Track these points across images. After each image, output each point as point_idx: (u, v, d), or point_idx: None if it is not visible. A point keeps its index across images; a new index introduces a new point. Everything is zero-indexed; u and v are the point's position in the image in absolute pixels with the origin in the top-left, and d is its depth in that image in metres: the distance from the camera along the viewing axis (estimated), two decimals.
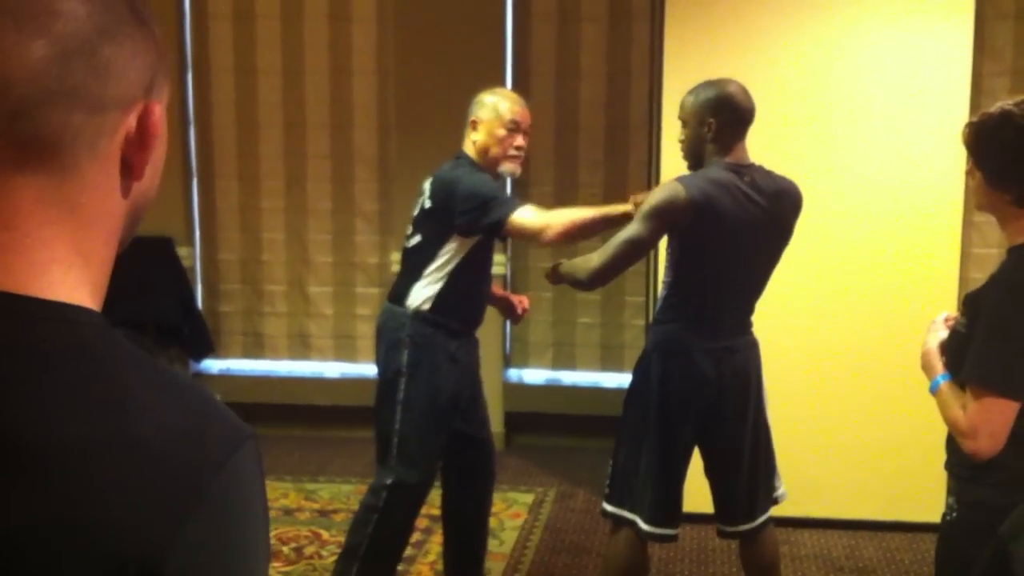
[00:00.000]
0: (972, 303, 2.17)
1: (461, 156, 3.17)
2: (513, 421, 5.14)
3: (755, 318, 3.05)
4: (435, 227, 3.10)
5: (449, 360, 3.15)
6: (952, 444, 2.22)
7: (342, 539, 3.31)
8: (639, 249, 2.85)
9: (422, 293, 3.12)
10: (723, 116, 2.83)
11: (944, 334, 2.27)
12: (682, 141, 2.95)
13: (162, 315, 5.06)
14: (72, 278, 0.73)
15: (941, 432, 2.26)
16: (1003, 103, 2.13)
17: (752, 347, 3.01)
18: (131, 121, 0.75)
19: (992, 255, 4.46)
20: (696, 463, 3.06)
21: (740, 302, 2.97)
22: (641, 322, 4.94)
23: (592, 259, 2.86)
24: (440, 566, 3.59)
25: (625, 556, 3.01)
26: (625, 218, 2.96)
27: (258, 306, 5.33)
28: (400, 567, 3.44)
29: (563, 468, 4.84)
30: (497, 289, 3.50)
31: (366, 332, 5.13)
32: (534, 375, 5.26)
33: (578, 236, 3.06)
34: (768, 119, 3.93)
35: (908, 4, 3.93)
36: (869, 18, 3.95)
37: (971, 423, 2.08)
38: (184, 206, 5.23)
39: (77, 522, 0.63)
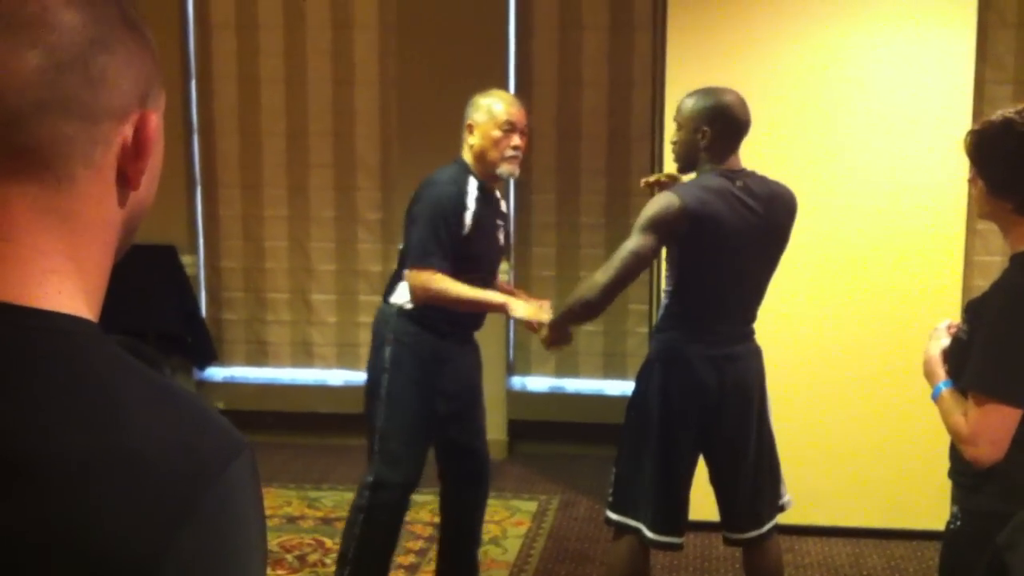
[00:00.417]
0: (974, 310, 2.17)
1: (458, 162, 3.17)
2: (516, 429, 5.13)
3: (759, 326, 3.05)
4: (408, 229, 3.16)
5: (434, 359, 3.14)
6: (955, 452, 2.22)
7: None
8: (640, 261, 2.85)
9: (406, 292, 3.13)
10: (718, 126, 2.85)
11: (946, 341, 2.26)
12: (674, 143, 2.96)
13: (165, 323, 5.06)
14: (68, 288, 0.72)
15: (945, 440, 2.25)
16: (1005, 111, 2.13)
17: (755, 355, 3.01)
18: (127, 130, 0.75)
19: (996, 263, 4.46)
20: (701, 471, 3.06)
21: (740, 309, 2.97)
22: (644, 330, 4.93)
23: (596, 278, 2.86)
24: None
25: (627, 564, 3.01)
26: (500, 310, 3.06)
27: (261, 314, 5.34)
28: (403, 574, 3.44)
29: (566, 476, 4.83)
30: (503, 286, 3.45)
31: (368, 340, 5.09)
32: (537, 383, 5.26)
33: (442, 305, 3.07)
34: (770, 127, 3.93)
35: (910, 12, 3.93)
36: (871, 26, 3.95)
37: (972, 430, 2.07)
38: (187, 214, 5.24)
39: (69, 535, 0.63)
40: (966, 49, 3.92)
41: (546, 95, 5.02)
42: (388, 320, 3.17)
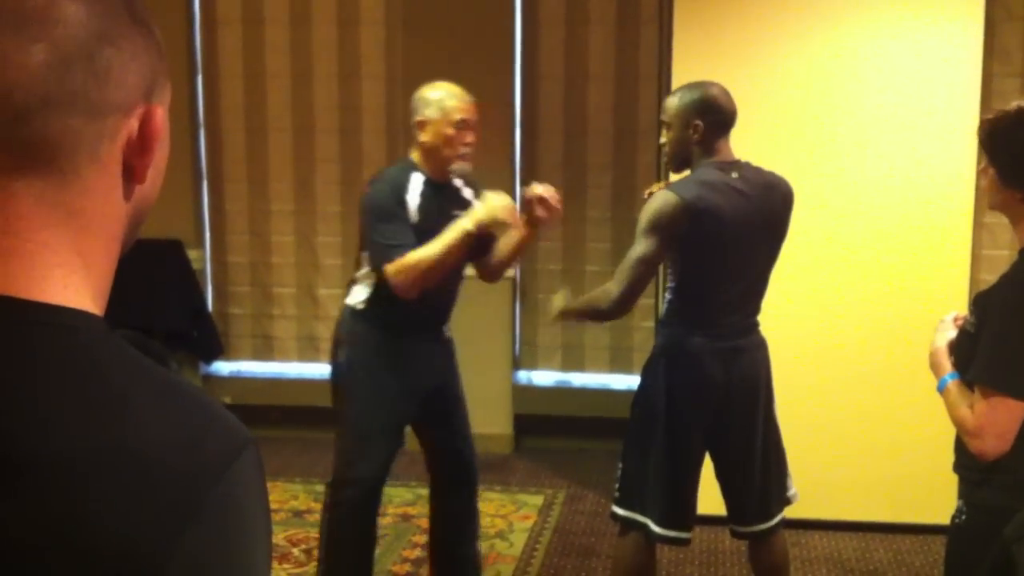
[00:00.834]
0: (981, 303, 2.17)
1: (402, 160, 3.14)
2: (522, 423, 5.14)
3: (766, 320, 3.05)
4: (361, 234, 3.14)
5: (390, 358, 3.13)
6: (960, 446, 2.22)
7: None
8: (650, 266, 2.85)
9: (358, 294, 3.15)
10: (709, 118, 2.85)
11: (953, 334, 2.26)
12: (664, 144, 2.96)
13: (172, 318, 5.07)
14: (74, 283, 0.72)
15: (952, 434, 2.25)
16: (1020, 102, 2.14)
17: (760, 347, 3.01)
18: (132, 125, 0.75)
19: (1003, 257, 4.44)
20: (707, 465, 3.06)
21: (744, 301, 2.97)
22: (650, 324, 4.93)
23: (610, 289, 2.86)
24: None
25: (633, 558, 3.02)
26: (467, 235, 2.90)
27: (267, 308, 5.34)
28: (409, 568, 3.45)
29: (572, 470, 4.83)
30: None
31: None
32: (543, 377, 5.26)
33: (430, 277, 2.94)
34: (776, 122, 3.93)
35: (917, 7, 3.92)
36: (877, 21, 3.94)
37: (978, 423, 2.07)
38: (194, 209, 5.25)
39: (73, 534, 0.62)
40: (973, 43, 3.91)
41: (552, 90, 5.02)
42: (344, 321, 3.20)
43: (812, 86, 3.98)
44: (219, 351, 5.28)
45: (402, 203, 3.00)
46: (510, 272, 4.96)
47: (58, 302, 0.70)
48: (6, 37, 0.69)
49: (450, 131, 3.02)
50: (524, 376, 5.24)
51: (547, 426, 5.15)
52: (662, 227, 2.78)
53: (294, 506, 4.34)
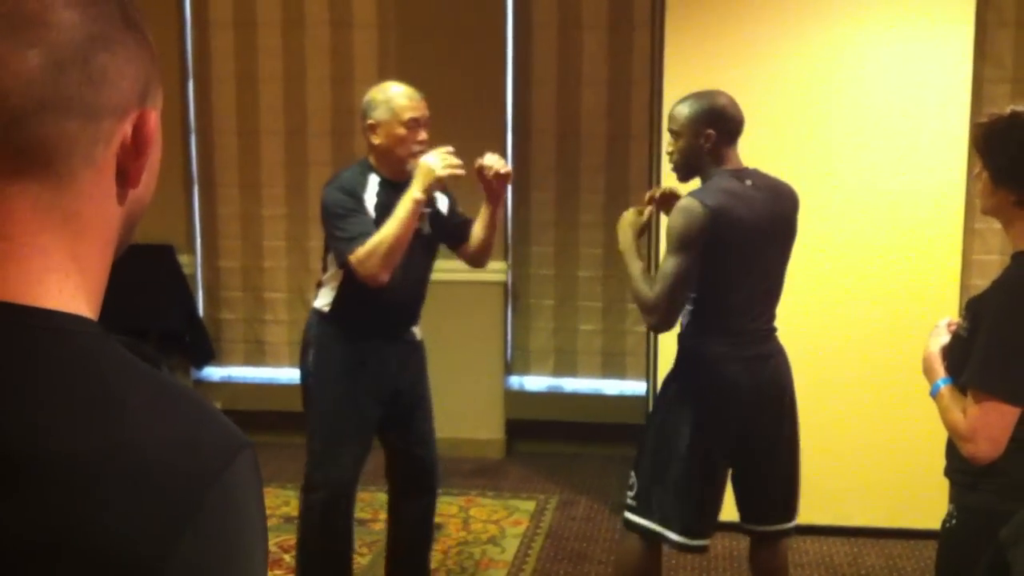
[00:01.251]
0: (974, 308, 2.17)
1: (361, 163, 3.14)
2: (514, 428, 5.14)
3: None
4: (325, 237, 3.14)
5: (354, 360, 3.13)
6: (952, 450, 2.22)
7: None
8: (689, 279, 2.80)
9: (323, 297, 3.16)
10: (720, 126, 2.85)
11: (946, 338, 2.27)
12: (672, 153, 2.94)
13: (163, 323, 5.06)
14: (69, 287, 0.72)
15: (943, 438, 2.25)
16: (1014, 106, 2.17)
17: (781, 354, 3.02)
18: (126, 128, 0.75)
19: (993, 261, 4.46)
20: None
21: (764, 308, 2.97)
22: (643, 329, 4.93)
23: (647, 294, 2.80)
24: None
25: (639, 562, 3.02)
26: (416, 204, 2.91)
27: (259, 313, 5.33)
28: None
29: (564, 475, 4.83)
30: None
31: None
32: (535, 382, 5.26)
33: (393, 256, 2.92)
34: (769, 126, 3.93)
35: (909, 11, 3.93)
36: (870, 26, 3.95)
37: (971, 427, 2.08)
38: (185, 213, 5.24)
39: (71, 536, 0.62)
40: (965, 48, 3.92)
41: (545, 94, 5.02)
42: (311, 325, 3.20)
43: (803, 91, 3.99)
44: (211, 356, 5.26)
45: (359, 200, 3.02)
46: (501, 276, 4.98)
47: (53, 306, 0.70)
48: (1, 42, 0.69)
49: (401, 131, 3.03)
50: (516, 381, 5.24)
51: (539, 431, 5.14)
52: (693, 239, 2.75)
53: (285, 512, 4.33)
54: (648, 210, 3.05)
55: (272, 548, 3.94)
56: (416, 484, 3.35)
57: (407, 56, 4.92)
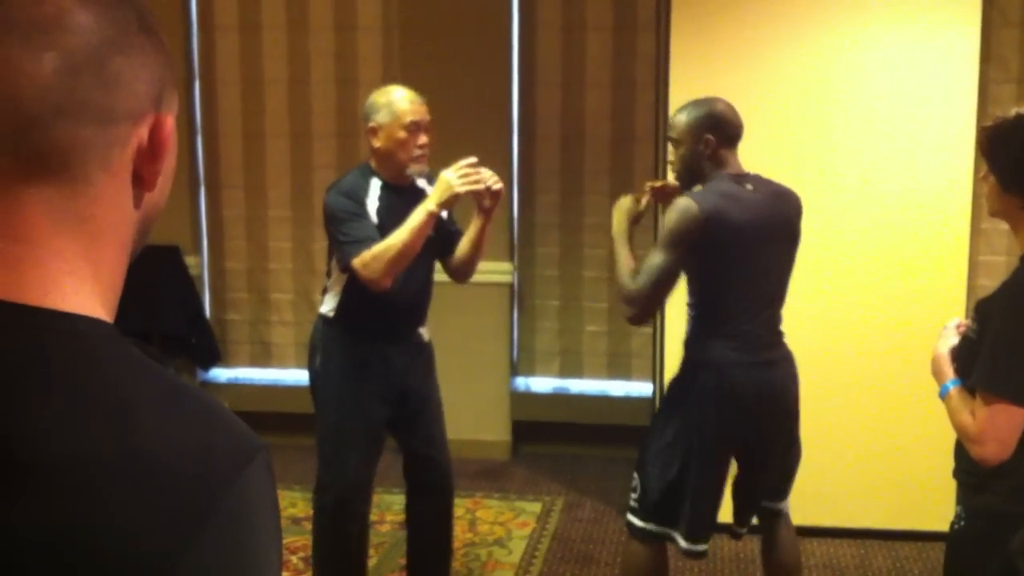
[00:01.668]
0: (983, 309, 2.17)
1: (363, 167, 3.15)
2: (520, 430, 5.13)
3: None
4: (328, 242, 3.14)
5: (359, 363, 3.14)
6: (960, 451, 2.22)
7: None
8: (672, 276, 2.84)
9: (328, 302, 3.17)
10: (719, 132, 2.88)
11: (955, 340, 2.27)
12: (673, 161, 2.97)
13: (169, 324, 5.06)
14: (85, 290, 0.72)
15: (951, 440, 2.25)
16: (1019, 108, 2.16)
17: (789, 361, 3.02)
18: (142, 132, 0.75)
19: (1000, 263, 4.45)
20: None
21: (768, 312, 2.97)
22: (648, 330, 4.93)
23: (629, 286, 2.83)
24: None
25: (647, 564, 3.02)
26: (430, 216, 2.91)
27: (265, 315, 5.34)
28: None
29: (570, 477, 4.83)
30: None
31: None
32: (541, 384, 5.26)
33: (399, 264, 2.94)
34: (773, 129, 3.93)
35: (914, 12, 3.93)
36: (874, 27, 3.95)
37: (979, 429, 2.08)
38: (191, 215, 5.25)
39: (82, 540, 0.62)
40: (970, 49, 3.91)
41: (550, 96, 5.02)
42: (317, 329, 3.22)
43: (808, 93, 3.98)
44: (217, 357, 5.27)
45: (362, 204, 3.03)
46: (507, 278, 4.98)
47: (69, 309, 0.70)
48: (17, 46, 0.69)
49: (402, 134, 3.03)
50: (522, 382, 5.24)
51: (545, 433, 5.14)
52: (682, 238, 2.78)
53: (292, 513, 4.33)
54: (646, 199, 3.07)
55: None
56: (426, 485, 3.35)
57: (411, 59, 4.93)
